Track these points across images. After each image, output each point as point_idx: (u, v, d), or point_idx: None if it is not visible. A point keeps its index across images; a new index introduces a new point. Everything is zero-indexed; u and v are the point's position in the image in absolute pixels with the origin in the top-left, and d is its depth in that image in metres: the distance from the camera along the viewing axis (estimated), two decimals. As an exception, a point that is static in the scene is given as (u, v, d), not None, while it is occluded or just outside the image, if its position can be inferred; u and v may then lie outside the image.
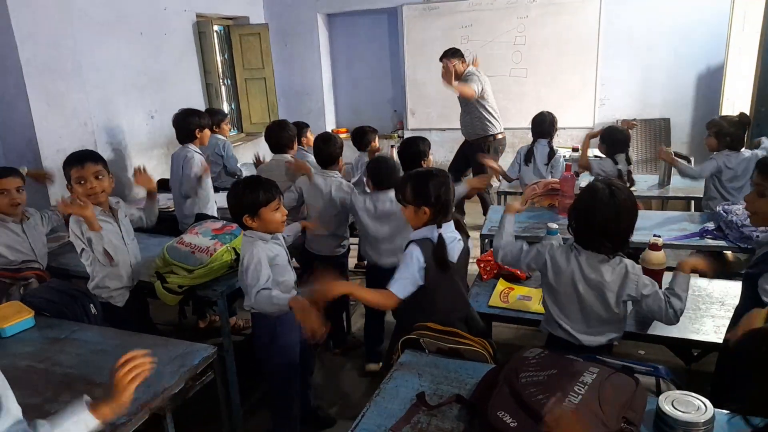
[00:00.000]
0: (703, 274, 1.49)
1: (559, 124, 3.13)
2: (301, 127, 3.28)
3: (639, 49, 4.27)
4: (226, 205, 2.86)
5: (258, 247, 1.59)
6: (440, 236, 1.47)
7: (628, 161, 2.70)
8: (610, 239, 1.34)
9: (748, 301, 1.35)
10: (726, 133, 2.47)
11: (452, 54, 3.59)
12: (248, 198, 1.59)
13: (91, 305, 1.74)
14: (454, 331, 1.42)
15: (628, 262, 1.39)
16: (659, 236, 1.71)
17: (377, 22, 5.00)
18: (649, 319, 1.61)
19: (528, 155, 3.07)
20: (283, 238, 1.76)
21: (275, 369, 1.74)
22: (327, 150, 2.32)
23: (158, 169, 3.65)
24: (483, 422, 1.07)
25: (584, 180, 3.12)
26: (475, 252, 2.89)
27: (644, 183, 3.03)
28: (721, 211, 2.15)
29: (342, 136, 3.42)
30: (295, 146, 2.76)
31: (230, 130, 3.89)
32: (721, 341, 1.44)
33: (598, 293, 1.38)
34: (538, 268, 1.49)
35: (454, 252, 1.51)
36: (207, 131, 2.69)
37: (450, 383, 1.26)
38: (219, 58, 4.43)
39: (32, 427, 0.93)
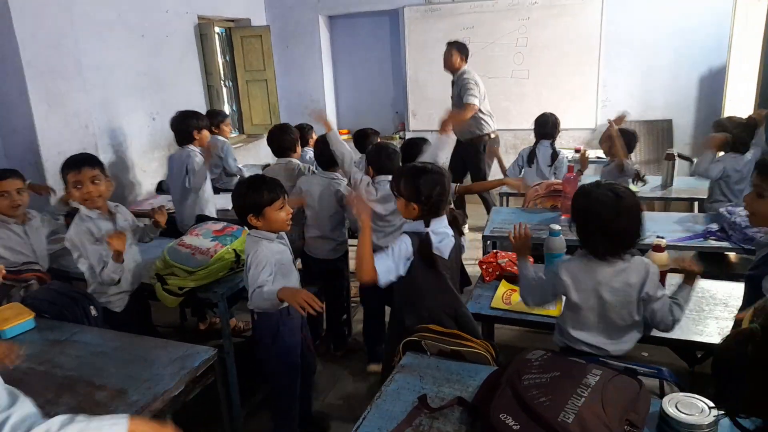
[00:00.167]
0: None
1: (561, 126, 3.12)
2: (306, 128, 3.28)
3: (641, 50, 4.26)
4: (226, 207, 2.92)
5: (262, 246, 1.60)
6: (427, 234, 1.47)
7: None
8: (611, 240, 1.31)
9: (751, 302, 1.34)
10: (729, 134, 2.46)
11: (458, 47, 3.58)
12: (252, 197, 1.59)
13: (92, 307, 1.74)
14: (456, 332, 1.41)
15: (646, 260, 1.37)
16: (662, 237, 1.70)
17: (379, 24, 5.00)
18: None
19: (530, 156, 3.06)
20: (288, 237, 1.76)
21: (276, 370, 1.74)
22: (327, 151, 2.32)
23: (159, 171, 3.66)
24: (485, 425, 1.07)
25: (587, 182, 3.11)
26: (477, 253, 2.88)
27: (647, 184, 3.02)
28: (725, 213, 2.14)
29: (343, 137, 3.42)
30: (298, 149, 2.75)
31: (231, 131, 3.88)
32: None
33: (624, 297, 1.35)
34: (561, 293, 1.41)
35: (445, 248, 1.50)
36: (205, 132, 2.69)
37: (452, 385, 1.25)
38: (220, 60, 4.44)
39: (70, 418, 0.94)
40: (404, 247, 1.46)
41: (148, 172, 3.60)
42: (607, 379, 1.09)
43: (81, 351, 1.50)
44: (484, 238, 2.33)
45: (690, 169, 2.66)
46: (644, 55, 4.26)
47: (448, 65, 3.60)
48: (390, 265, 1.43)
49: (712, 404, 1.02)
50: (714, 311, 1.64)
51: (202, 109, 4.14)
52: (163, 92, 3.74)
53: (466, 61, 3.65)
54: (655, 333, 1.55)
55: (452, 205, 1.66)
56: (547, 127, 3.02)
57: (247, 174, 3.33)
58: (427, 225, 1.50)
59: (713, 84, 4.07)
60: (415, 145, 2.41)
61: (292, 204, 1.83)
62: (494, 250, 2.12)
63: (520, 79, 4.58)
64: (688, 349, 1.82)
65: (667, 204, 3.27)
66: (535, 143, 3.08)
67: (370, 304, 2.31)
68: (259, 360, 1.77)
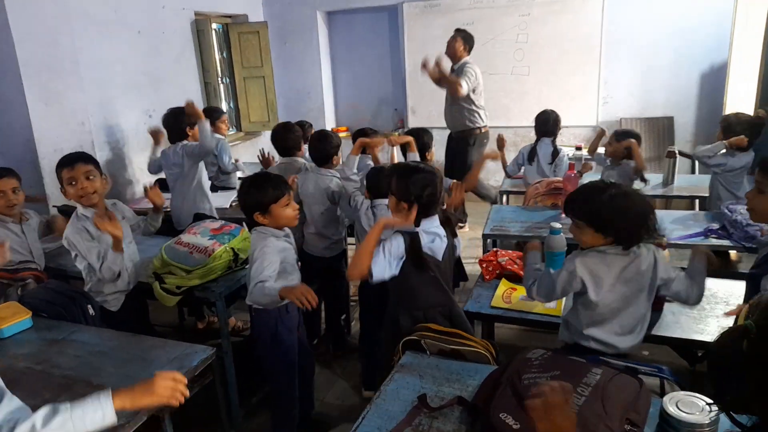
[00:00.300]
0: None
1: (562, 123, 3.11)
2: (304, 125, 3.27)
3: (642, 47, 4.24)
4: (224, 205, 2.90)
5: (269, 242, 1.61)
6: (416, 234, 1.47)
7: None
8: (647, 229, 1.31)
9: (753, 301, 1.34)
10: (732, 131, 2.44)
11: (464, 36, 3.53)
12: (258, 195, 1.61)
13: (89, 306, 1.73)
14: (456, 332, 1.40)
15: (651, 246, 1.37)
16: (663, 236, 1.70)
17: (377, 20, 4.98)
18: (653, 320, 1.60)
19: (531, 154, 3.05)
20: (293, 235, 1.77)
21: (275, 368, 1.74)
22: (321, 148, 2.30)
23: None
24: (485, 424, 1.06)
25: (587, 180, 3.11)
26: (477, 252, 2.88)
27: (648, 182, 3.00)
28: (726, 210, 2.14)
29: (342, 135, 3.40)
30: (303, 148, 2.73)
31: (228, 128, 3.86)
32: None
33: (637, 286, 1.35)
34: (575, 291, 1.38)
35: (436, 248, 1.50)
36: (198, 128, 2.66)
37: (452, 385, 1.24)
38: (217, 57, 4.41)
39: (52, 410, 0.94)
40: (396, 245, 1.46)
41: (145, 170, 3.58)
42: (608, 378, 1.09)
43: (79, 350, 1.49)
44: (484, 237, 2.32)
45: (692, 150, 2.66)
46: (645, 52, 4.24)
47: (451, 52, 3.54)
48: (383, 263, 1.43)
49: (710, 401, 1.02)
50: (715, 310, 1.63)
51: (199, 106, 4.12)
52: (160, 89, 3.72)
53: (470, 53, 3.61)
54: (656, 332, 1.55)
55: (444, 206, 1.64)
56: (548, 124, 3.01)
57: (243, 168, 3.33)
58: (417, 224, 1.49)
59: (714, 81, 4.05)
60: (417, 135, 2.39)
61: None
62: (494, 249, 2.11)
63: (521, 75, 4.56)
64: (689, 347, 1.81)
65: (668, 202, 3.27)
66: (536, 141, 3.06)
67: (367, 322, 2.18)
68: (257, 358, 1.77)
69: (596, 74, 4.35)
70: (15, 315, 1.58)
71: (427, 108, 4.84)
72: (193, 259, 1.86)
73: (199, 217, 2.49)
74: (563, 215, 2.38)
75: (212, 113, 3.44)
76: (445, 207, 1.59)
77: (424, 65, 3.39)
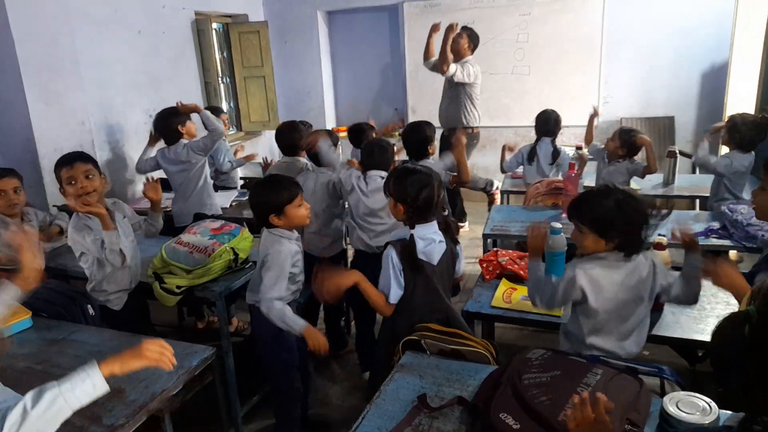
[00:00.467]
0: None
1: (562, 123, 3.10)
2: (306, 126, 3.26)
3: (642, 47, 4.23)
4: (225, 205, 2.90)
5: (284, 247, 1.63)
6: (411, 237, 1.48)
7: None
8: (638, 236, 1.30)
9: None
10: (737, 131, 2.43)
11: (470, 35, 3.51)
12: (273, 198, 1.63)
13: (89, 306, 1.73)
14: (456, 332, 1.40)
15: (649, 253, 1.37)
16: (664, 235, 1.70)
17: (378, 20, 4.97)
18: (654, 319, 1.59)
19: (531, 154, 3.04)
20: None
21: (276, 367, 1.74)
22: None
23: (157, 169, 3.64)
24: (485, 424, 1.06)
25: (588, 179, 3.10)
26: (477, 252, 2.87)
27: (649, 182, 3.00)
28: (726, 210, 2.13)
29: (341, 134, 3.39)
30: None
31: (228, 128, 3.86)
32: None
33: (638, 294, 1.34)
34: (575, 300, 1.35)
35: (431, 253, 1.49)
36: (190, 124, 2.65)
37: (452, 385, 1.24)
38: (218, 56, 4.41)
39: (39, 390, 0.94)
40: (392, 258, 1.48)
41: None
42: (608, 378, 1.08)
43: (78, 350, 1.49)
44: (485, 237, 2.31)
45: (694, 159, 2.66)
46: (646, 52, 4.24)
47: (455, 49, 3.51)
48: (393, 287, 1.49)
49: (711, 401, 1.02)
50: (715, 309, 1.63)
51: (200, 106, 4.12)
52: (160, 89, 3.72)
53: (473, 53, 3.59)
54: (656, 332, 1.55)
55: (446, 212, 1.63)
56: (548, 124, 3.00)
57: (241, 162, 3.32)
58: (411, 228, 1.50)
59: (715, 81, 4.05)
60: (420, 128, 2.37)
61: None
62: (494, 249, 2.11)
63: (521, 75, 4.56)
64: (689, 347, 1.81)
65: (668, 201, 3.26)
66: (536, 140, 3.06)
67: (363, 321, 2.23)
68: (257, 358, 1.77)
69: (596, 74, 4.35)
70: (15, 315, 1.58)
71: (427, 107, 4.83)
72: (193, 259, 1.86)
73: (200, 216, 2.49)
74: (564, 216, 2.38)
75: (212, 113, 3.45)
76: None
77: (436, 28, 3.36)
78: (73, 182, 1.73)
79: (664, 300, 1.44)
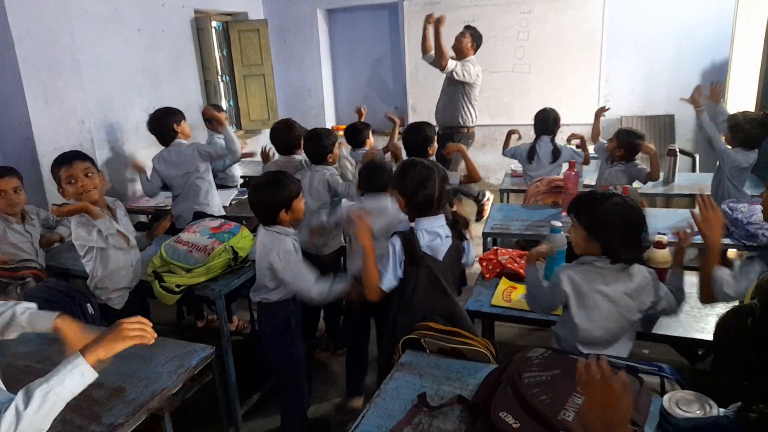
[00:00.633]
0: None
1: (563, 121, 3.10)
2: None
3: (643, 45, 4.23)
4: (224, 203, 2.88)
5: (290, 244, 1.66)
6: (411, 230, 1.48)
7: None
8: (631, 246, 1.30)
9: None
10: (740, 129, 2.42)
11: (473, 34, 3.47)
12: (283, 193, 1.65)
13: (89, 305, 1.73)
14: (456, 330, 1.40)
15: (643, 268, 1.36)
16: (664, 234, 1.69)
17: (378, 18, 4.96)
18: (654, 318, 1.59)
19: (531, 152, 3.04)
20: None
21: (285, 362, 1.76)
22: (312, 147, 2.28)
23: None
24: (485, 423, 1.06)
25: (587, 177, 3.10)
26: (477, 250, 2.86)
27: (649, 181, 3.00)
28: (727, 209, 2.13)
29: (341, 133, 3.38)
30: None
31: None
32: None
33: (623, 306, 1.33)
34: (560, 302, 1.39)
35: (436, 248, 1.48)
36: (184, 124, 2.63)
37: (452, 384, 1.24)
38: (217, 55, 4.40)
39: (26, 389, 0.93)
40: (397, 247, 1.47)
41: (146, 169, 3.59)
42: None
43: (78, 349, 1.49)
44: (485, 235, 2.31)
45: (701, 121, 2.57)
46: (646, 50, 4.23)
47: (457, 48, 3.49)
48: (390, 276, 1.48)
49: (716, 405, 1.02)
50: (715, 308, 1.62)
51: (199, 104, 4.12)
52: (160, 88, 3.71)
53: (475, 52, 3.57)
54: (656, 330, 1.55)
55: (454, 208, 1.61)
56: (547, 123, 3.00)
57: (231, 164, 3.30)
58: (411, 221, 1.50)
59: (716, 79, 4.03)
60: (420, 129, 2.36)
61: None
62: (495, 247, 2.11)
63: (522, 73, 4.55)
64: (689, 346, 1.81)
65: (668, 200, 3.26)
66: (535, 139, 3.05)
67: (355, 336, 2.15)
68: (263, 355, 1.78)
69: (597, 72, 4.34)
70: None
71: (427, 106, 4.83)
72: (192, 258, 1.86)
73: (199, 215, 2.48)
74: (564, 215, 2.38)
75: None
76: (455, 209, 1.57)
77: (429, 20, 3.32)
78: (72, 181, 1.73)
79: (651, 314, 1.44)
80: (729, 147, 2.48)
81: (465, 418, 1.13)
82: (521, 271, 1.87)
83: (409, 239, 1.46)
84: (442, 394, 1.20)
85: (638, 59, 4.27)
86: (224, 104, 4.56)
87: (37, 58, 2.65)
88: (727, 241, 2.06)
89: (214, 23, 4.32)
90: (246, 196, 2.95)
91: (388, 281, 1.48)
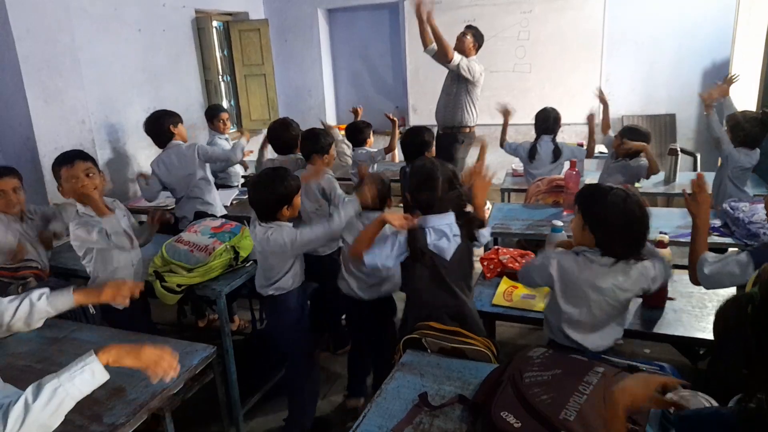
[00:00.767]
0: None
1: (563, 120, 3.09)
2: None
3: (644, 44, 4.22)
4: (225, 203, 2.88)
5: (289, 228, 1.70)
6: (416, 228, 1.48)
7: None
8: (627, 244, 1.29)
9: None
10: (740, 129, 2.42)
11: (475, 34, 3.45)
12: (285, 189, 1.67)
13: (89, 305, 1.73)
14: (457, 330, 1.40)
15: (647, 263, 1.35)
16: (665, 233, 1.69)
17: (378, 18, 4.96)
18: (655, 317, 1.59)
19: (532, 152, 3.04)
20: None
21: (300, 350, 1.80)
22: (308, 147, 2.27)
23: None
24: (486, 423, 1.06)
25: (589, 177, 3.10)
26: (478, 250, 2.86)
27: (650, 180, 2.99)
28: (728, 208, 2.12)
29: (343, 132, 3.38)
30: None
31: (230, 127, 3.84)
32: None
33: (611, 298, 1.33)
34: (544, 283, 1.42)
35: (443, 247, 1.47)
36: (181, 126, 2.62)
37: (453, 383, 1.24)
38: (218, 55, 4.40)
39: (38, 384, 0.93)
40: (395, 239, 1.48)
41: (145, 168, 3.59)
42: (610, 377, 1.08)
43: (79, 349, 1.48)
44: (485, 235, 2.31)
45: (710, 119, 2.54)
46: (647, 49, 4.22)
47: (459, 48, 3.45)
48: (381, 254, 1.46)
49: (717, 404, 1.02)
50: (717, 307, 1.62)
51: (200, 104, 4.12)
52: (161, 87, 3.71)
53: (477, 52, 3.56)
54: (657, 330, 1.55)
55: (467, 208, 1.57)
56: (548, 122, 2.99)
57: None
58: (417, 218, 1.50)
59: (717, 78, 4.03)
60: (419, 133, 2.36)
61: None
62: (495, 247, 2.11)
63: (523, 73, 4.54)
64: (691, 345, 1.81)
65: (669, 199, 3.25)
66: (536, 138, 3.05)
67: (356, 335, 2.14)
68: (275, 349, 1.83)
69: (598, 71, 4.34)
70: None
71: (428, 106, 4.82)
72: (193, 258, 1.86)
73: (200, 215, 2.48)
74: (565, 214, 2.37)
75: (213, 111, 3.44)
76: (469, 209, 1.54)
77: (419, 10, 3.18)
78: (73, 181, 1.73)
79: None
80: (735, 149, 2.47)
81: (466, 417, 1.12)
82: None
83: (414, 236, 1.47)
84: (443, 394, 1.20)
85: (639, 59, 4.26)
86: (225, 104, 4.56)
87: (38, 57, 2.65)
88: (728, 240, 2.06)
89: (214, 23, 4.32)
90: (247, 196, 2.95)
91: (373, 257, 1.45)
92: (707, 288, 1.41)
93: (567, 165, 2.91)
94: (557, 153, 2.99)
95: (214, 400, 1.66)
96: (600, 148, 3.11)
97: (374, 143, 3.45)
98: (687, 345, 1.81)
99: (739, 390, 0.82)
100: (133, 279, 1.90)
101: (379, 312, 1.91)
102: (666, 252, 1.64)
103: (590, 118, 2.94)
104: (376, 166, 3.31)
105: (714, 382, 1.06)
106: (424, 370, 1.29)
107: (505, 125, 3.15)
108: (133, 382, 1.31)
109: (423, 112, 4.90)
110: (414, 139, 2.34)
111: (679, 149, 3.00)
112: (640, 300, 1.66)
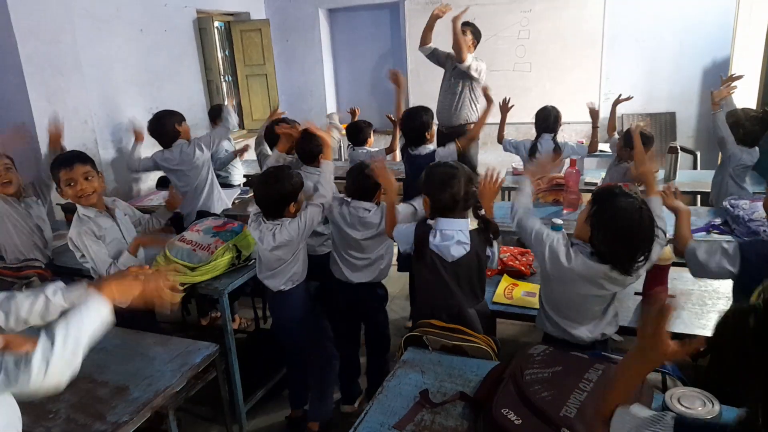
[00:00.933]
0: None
1: (564, 119, 3.09)
2: (291, 124, 3.24)
3: (644, 42, 4.22)
4: (228, 203, 2.89)
5: (295, 222, 1.73)
6: (425, 226, 1.50)
7: None
8: (617, 251, 1.27)
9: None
10: (741, 127, 2.41)
11: (473, 31, 3.41)
12: (291, 186, 1.69)
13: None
14: (458, 327, 1.41)
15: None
16: (665, 231, 1.69)
17: (379, 18, 4.96)
18: (655, 315, 1.59)
19: (532, 150, 3.04)
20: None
21: (315, 336, 1.85)
22: (305, 147, 2.26)
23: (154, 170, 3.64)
24: (487, 420, 1.06)
25: (589, 176, 3.10)
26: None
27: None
28: (728, 206, 2.13)
29: (343, 132, 3.38)
30: None
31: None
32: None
33: (597, 289, 1.33)
34: (533, 251, 1.45)
35: (446, 250, 1.47)
36: (185, 125, 2.62)
37: (454, 381, 1.25)
38: (220, 55, 4.41)
39: (46, 331, 0.92)
40: (411, 228, 1.54)
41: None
42: (610, 374, 1.08)
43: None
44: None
45: (715, 117, 2.52)
46: (647, 47, 4.22)
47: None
48: (404, 230, 1.58)
49: (717, 401, 1.02)
50: (717, 305, 1.63)
51: (202, 104, 4.13)
52: (163, 87, 3.72)
53: (474, 49, 3.55)
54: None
55: (481, 212, 1.56)
56: (548, 120, 2.99)
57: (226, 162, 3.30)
58: (431, 218, 1.51)
59: (717, 77, 4.01)
60: (417, 115, 2.33)
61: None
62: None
63: (523, 72, 4.54)
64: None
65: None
66: (536, 137, 3.05)
67: (344, 348, 2.05)
68: (288, 342, 1.85)
69: (598, 70, 4.33)
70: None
71: (429, 105, 4.81)
72: (196, 257, 1.87)
73: (203, 214, 2.49)
74: (565, 212, 2.38)
75: (216, 111, 3.45)
76: (483, 213, 1.54)
77: (440, 13, 3.24)
78: (72, 184, 1.72)
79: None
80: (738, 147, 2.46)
81: (467, 414, 1.13)
82: (522, 268, 1.88)
83: (419, 232, 1.50)
84: (444, 391, 1.21)
85: (639, 57, 4.26)
86: (227, 104, 4.57)
87: (40, 58, 2.66)
88: (728, 238, 2.07)
89: (216, 23, 4.33)
90: (249, 195, 2.96)
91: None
92: (695, 276, 1.45)
93: (567, 163, 2.92)
94: (558, 152, 2.98)
95: (217, 398, 1.67)
96: (603, 147, 3.10)
97: (375, 143, 3.45)
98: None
99: (737, 397, 0.82)
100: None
101: (371, 296, 1.92)
102: (666, 250, 1.64)
103: (593, 110, 2.89)
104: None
105: (714, 383, 1.06)
106: (425, 368, 1.30)
107: (503, 121, 3.15)
108: (136, 381, 1.32)
109: (424, 112, 4.90)
110: (413, 122, 2.33)
111: (679, 147, 2.99)
112: (639, 298, 1.67)
